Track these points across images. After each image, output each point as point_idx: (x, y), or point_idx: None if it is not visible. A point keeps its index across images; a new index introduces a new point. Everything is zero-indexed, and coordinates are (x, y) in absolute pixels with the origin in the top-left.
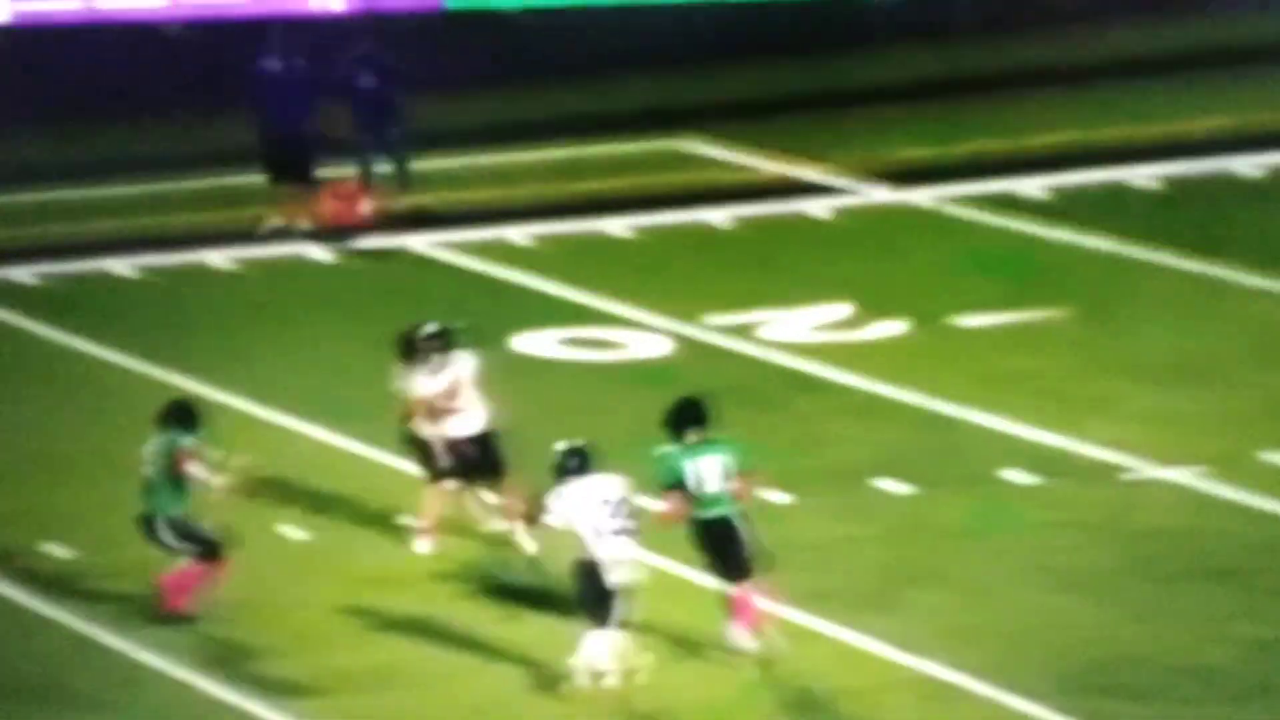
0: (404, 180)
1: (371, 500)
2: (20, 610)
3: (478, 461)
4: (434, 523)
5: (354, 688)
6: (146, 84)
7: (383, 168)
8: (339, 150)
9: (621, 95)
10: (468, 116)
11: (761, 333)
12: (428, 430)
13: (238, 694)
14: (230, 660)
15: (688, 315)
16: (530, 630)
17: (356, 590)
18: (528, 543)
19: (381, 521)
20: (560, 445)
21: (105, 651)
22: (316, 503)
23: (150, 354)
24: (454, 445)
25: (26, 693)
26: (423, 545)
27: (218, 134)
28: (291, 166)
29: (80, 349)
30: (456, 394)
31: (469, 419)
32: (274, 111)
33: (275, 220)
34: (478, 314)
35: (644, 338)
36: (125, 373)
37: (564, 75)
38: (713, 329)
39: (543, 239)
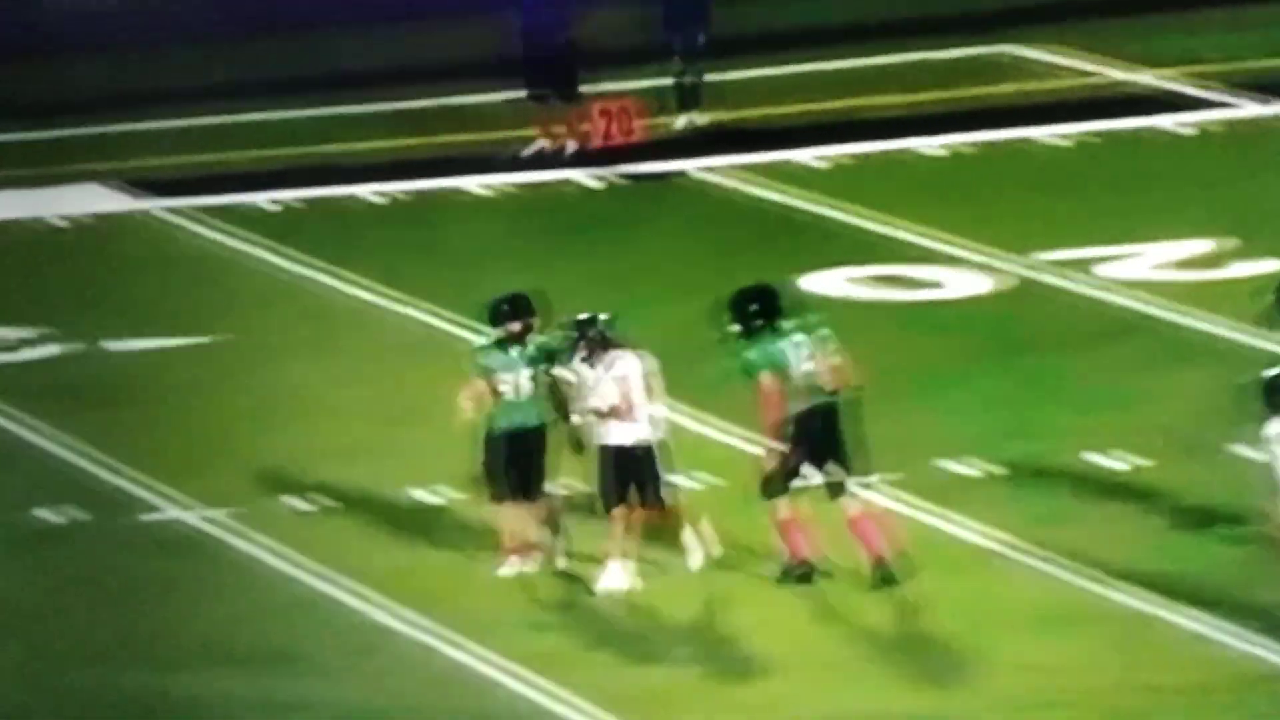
0: (698, 94)
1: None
2: (259, 565)
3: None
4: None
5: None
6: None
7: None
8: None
9: None
10: (749, 22)
11: (1100, 270)
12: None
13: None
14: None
15: (1012, 250)
16: None
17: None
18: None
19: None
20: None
21: (350, 613)
22: None
23: (394, 283)
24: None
25: (266, 656)
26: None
27: (470, 43)
28: (554, 79)
29: (331, 283)
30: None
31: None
32: (534, 16)
33: (539, 143)
34: (756, 246)
35: (957, 275)
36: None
37: None
38: (1041, 265)
39: (837, 160)
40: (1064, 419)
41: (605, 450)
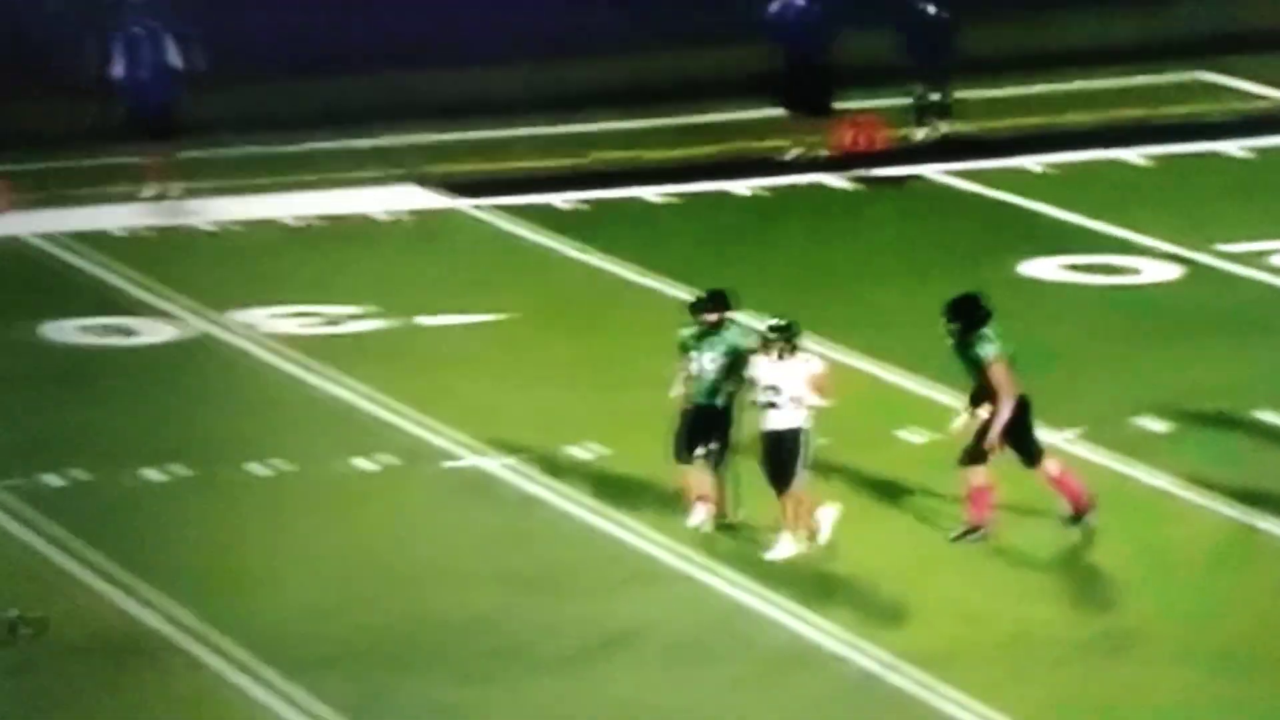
0: (946, 110)
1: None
2: (540, 503)
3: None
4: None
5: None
6: (659, 21)
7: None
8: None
9: (1136, 26)
10: (992, 44)
11: (1274, 260)
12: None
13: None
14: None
15: (1198, 243)
16: None
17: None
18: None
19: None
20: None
21: (615, 543)
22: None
23: (670, 273)
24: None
25: (534, 581)
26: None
27: (734, 65)
28: (810, 97)
29: (610, 269)
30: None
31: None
32: (794, 44)
33: (796, 150)
34: (983, 238)
35: (1153, 264)
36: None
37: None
38: (1224, 256)
39: (1058, 166)
40: (1236, 382)
41: (766, 435)
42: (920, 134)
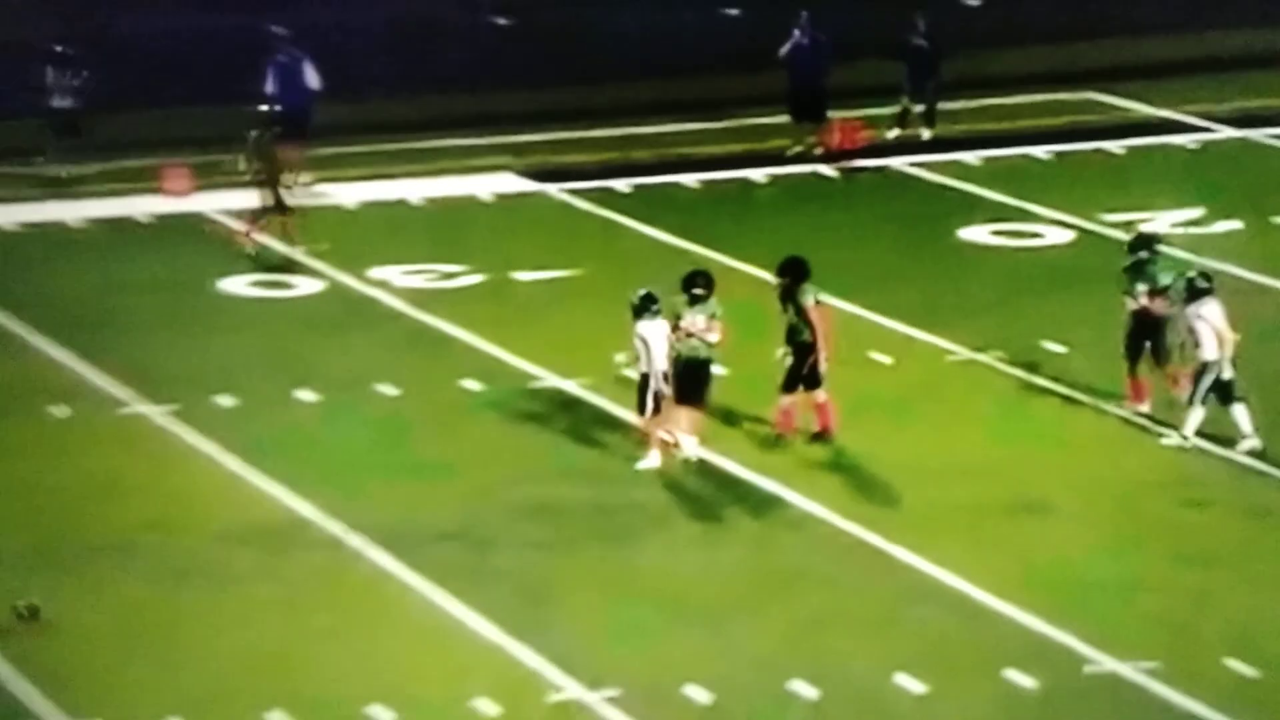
0: (932, 120)
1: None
2: (598, 412)
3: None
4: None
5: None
6: (708, 50)
7: (917, 108)
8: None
9: (1045, 59)
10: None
11: (1143, 228)
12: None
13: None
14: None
15: (1087, 214)
16: None
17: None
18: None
19: None
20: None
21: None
22: None
23: (703, 240)
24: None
25: (589, 472)
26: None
27: (755, 86)
28: (810, 110)
29: (658, 236)
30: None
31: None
32: (800, 71)
33: (797, 148)
34: (932, 212)
35: (1053, 230)
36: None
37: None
38: (1106, 224)
39: (988, 159)
40: (1112, 317)
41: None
42: (893, 134)
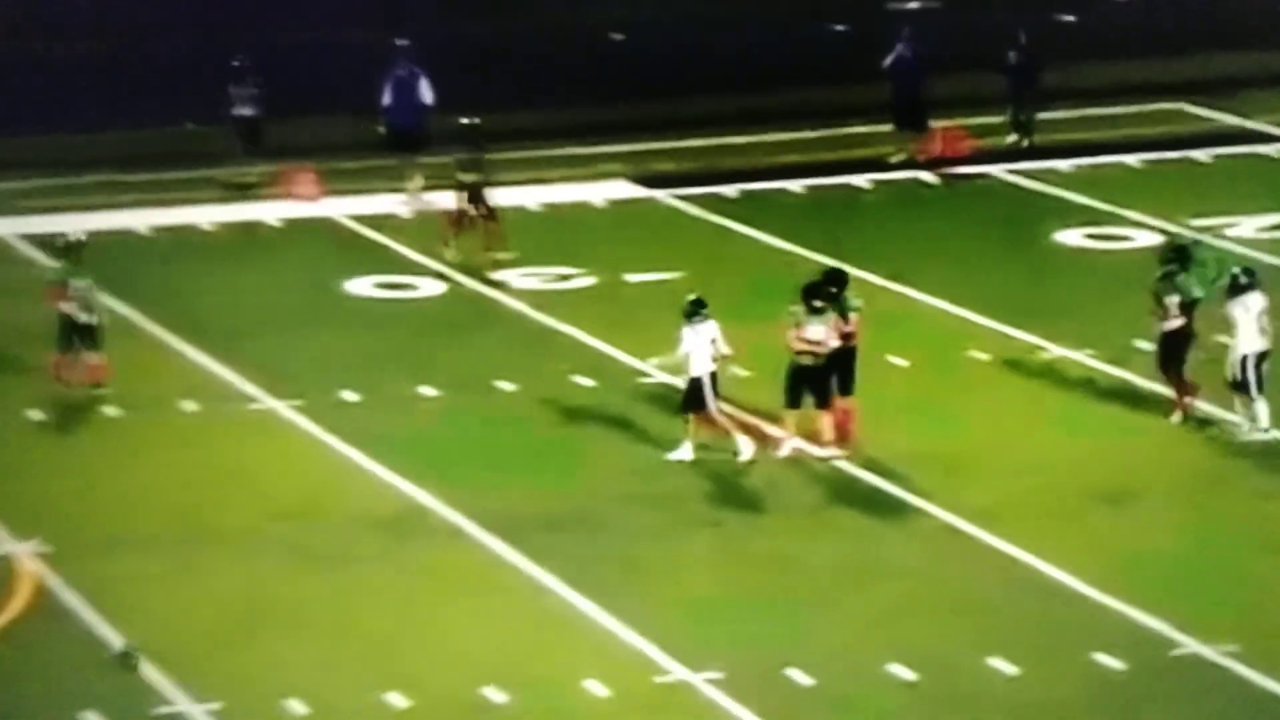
0: (1030, 129)
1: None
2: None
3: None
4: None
5: None
6: (808, 62)
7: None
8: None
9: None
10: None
11: (1228, 232)
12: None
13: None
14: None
15: (1175, 218)
16: None
17: None
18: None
19: None
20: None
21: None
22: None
23: (807, 244)
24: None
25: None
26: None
27: (859, 97)
28: (912, 119)
29: (766, 241)
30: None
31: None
32: (902, 83)
33: (900, 155)
34: (1029, 217)
35: (1141, 233)
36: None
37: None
38: (1192, 228)
39: (1079, 166)
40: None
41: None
42: (1009, 141)
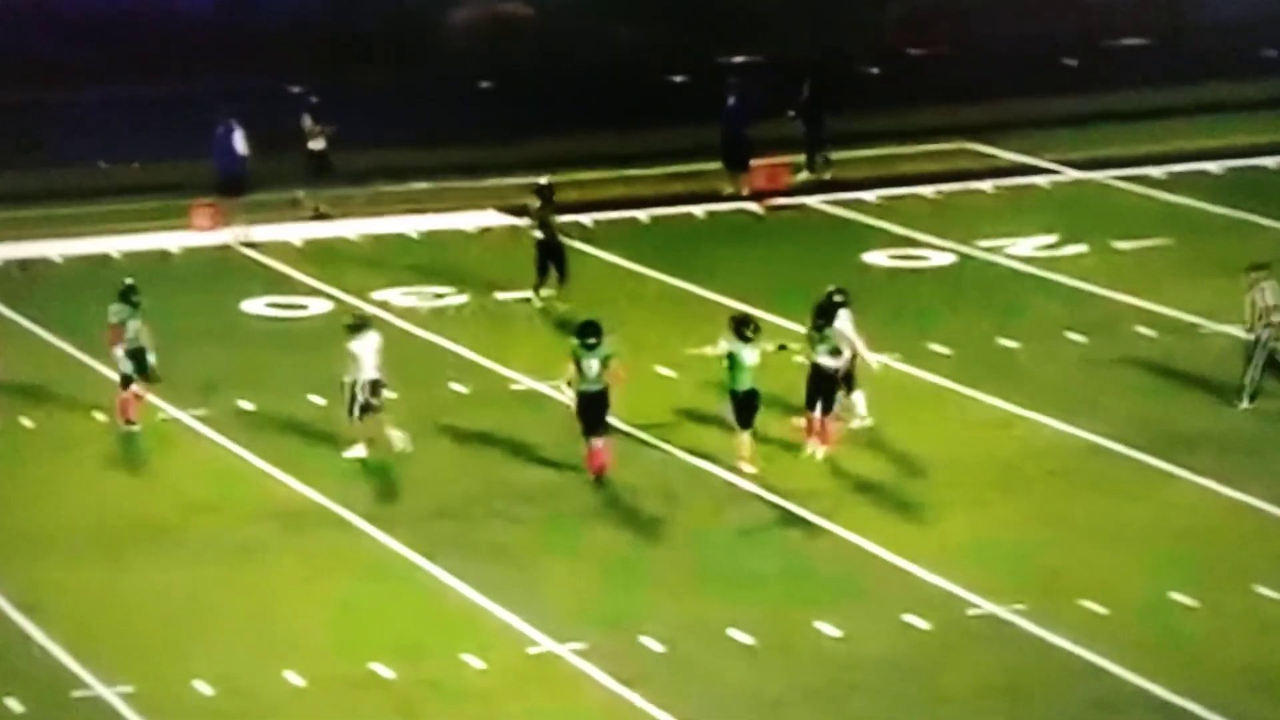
0: (815, 166)
1: None
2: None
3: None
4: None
5: None
6: (653, 108)
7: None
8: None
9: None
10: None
11: (1009, 250)
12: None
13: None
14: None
15: (964, 240)
16: None
17: None
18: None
19: None
20: None
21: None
22: None
23: (652, 265)
24: None
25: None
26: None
27: (692, 139)
28: (737, 158)
29: (613, 261)
30: None
31: None
32: (729, 126)
33: (728, 189)
34: (841, 242)
35: (937, 254)
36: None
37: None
38: (980, 249)
39: (892, 199)
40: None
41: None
42: (802, 176)
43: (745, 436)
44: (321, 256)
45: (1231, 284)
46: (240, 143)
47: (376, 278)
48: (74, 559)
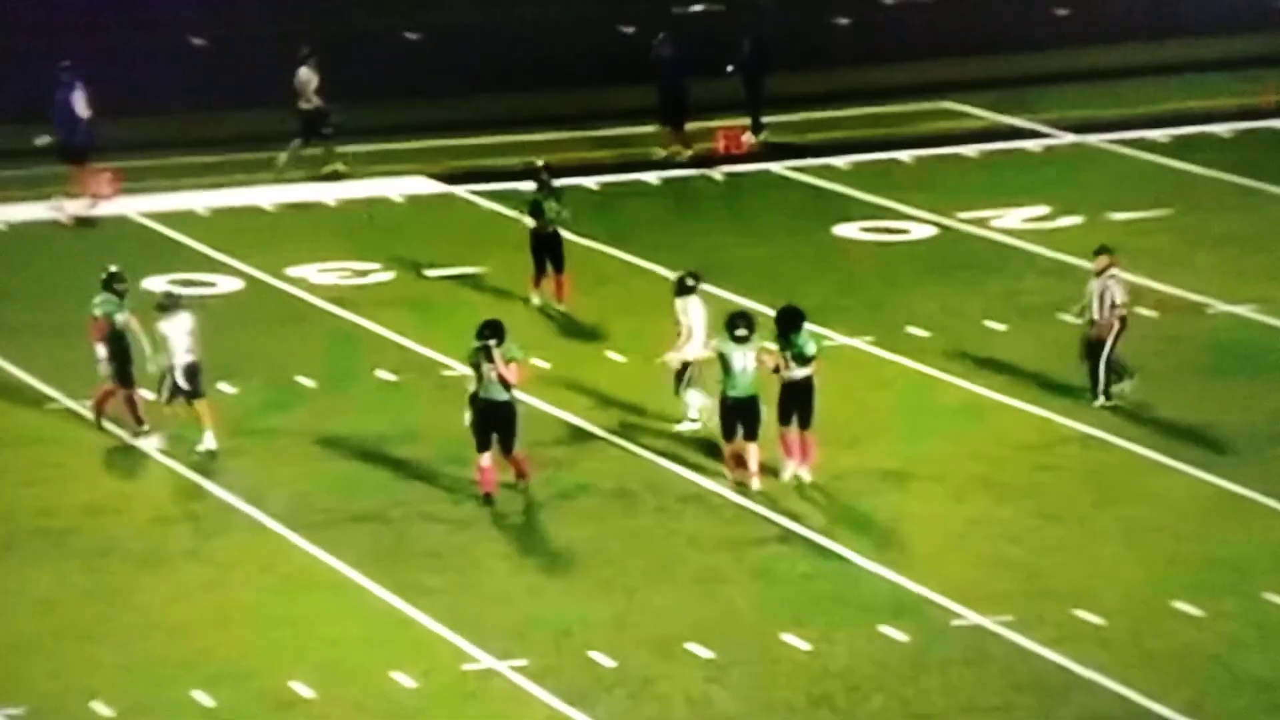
0: (759, 128)
1: None
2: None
3: None
4: None
5: None
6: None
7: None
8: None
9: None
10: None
11: (995, 223)
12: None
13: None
14: None
15: (946, 212)
16: None
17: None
18: None
19: None
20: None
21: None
22: None
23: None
24: None
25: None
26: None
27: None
28: (672, 116)
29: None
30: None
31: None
32: (666, 82)
33: (663, 153)
34: (810, 213)
35: (917, 226)
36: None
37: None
38: (962, 220)
39: (855, 163)
40: (969, 306)
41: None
42: (747, 139)
43: (752, 448)
44: (230, 228)
45: (1240, 259)
46: (81, 104)
47: (292, 251)
48: None
